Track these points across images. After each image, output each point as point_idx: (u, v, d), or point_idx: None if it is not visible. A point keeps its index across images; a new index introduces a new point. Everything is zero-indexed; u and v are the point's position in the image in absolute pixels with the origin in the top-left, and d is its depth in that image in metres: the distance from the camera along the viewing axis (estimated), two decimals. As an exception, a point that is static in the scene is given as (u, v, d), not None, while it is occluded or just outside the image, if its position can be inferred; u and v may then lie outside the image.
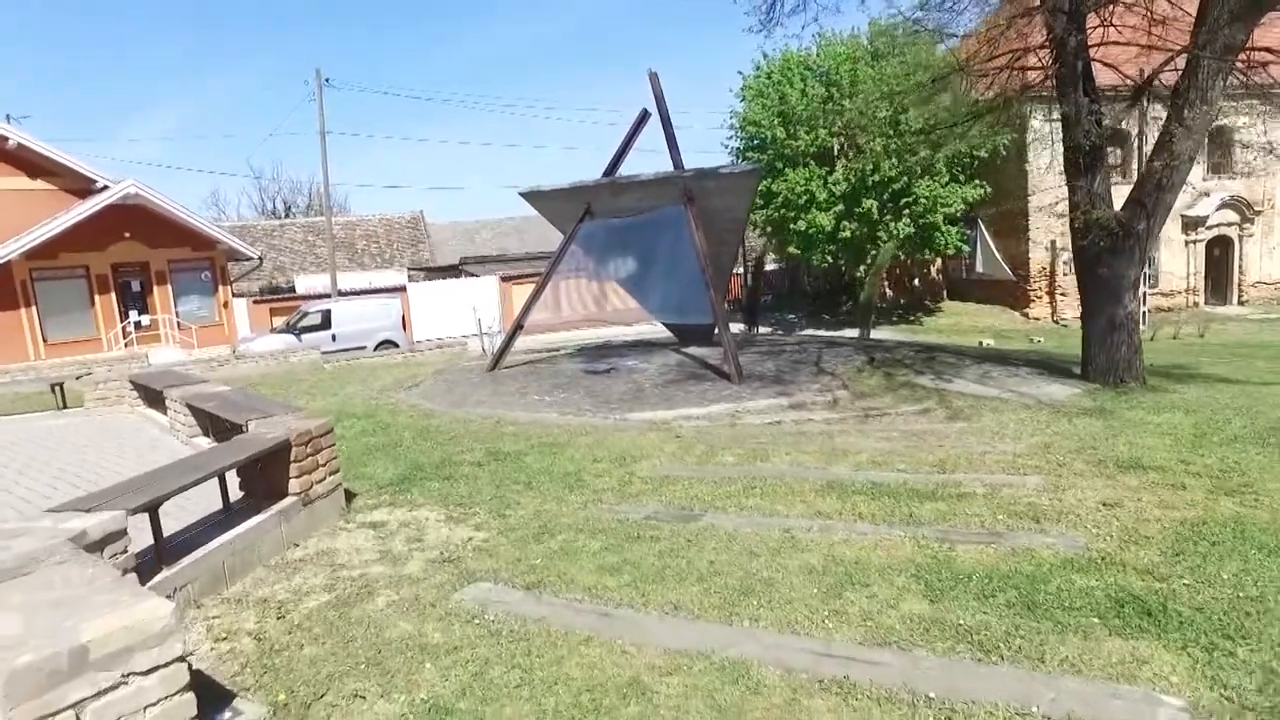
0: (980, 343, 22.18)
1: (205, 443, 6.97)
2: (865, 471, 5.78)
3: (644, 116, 12.26)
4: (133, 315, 22.59)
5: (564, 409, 8.97)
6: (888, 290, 30.34)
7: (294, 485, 4.77)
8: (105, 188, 21.30)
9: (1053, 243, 27.66)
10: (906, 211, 24.41)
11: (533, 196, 12.42)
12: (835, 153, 25.89)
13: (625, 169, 12.45)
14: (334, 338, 20.61)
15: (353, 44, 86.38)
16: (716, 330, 13.14)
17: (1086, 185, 9.32)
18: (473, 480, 6.01)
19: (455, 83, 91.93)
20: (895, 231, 24.21)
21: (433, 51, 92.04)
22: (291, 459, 4.74)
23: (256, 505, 4.67)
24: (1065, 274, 27.87)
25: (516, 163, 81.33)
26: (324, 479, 5.03)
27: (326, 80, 24.50)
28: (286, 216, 48.29)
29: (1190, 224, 28.35)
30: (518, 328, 12.33)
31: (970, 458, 6.11)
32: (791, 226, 24.62)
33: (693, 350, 12.50)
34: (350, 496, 5.67)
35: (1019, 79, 10.34)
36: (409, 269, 34.26)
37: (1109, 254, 9.17)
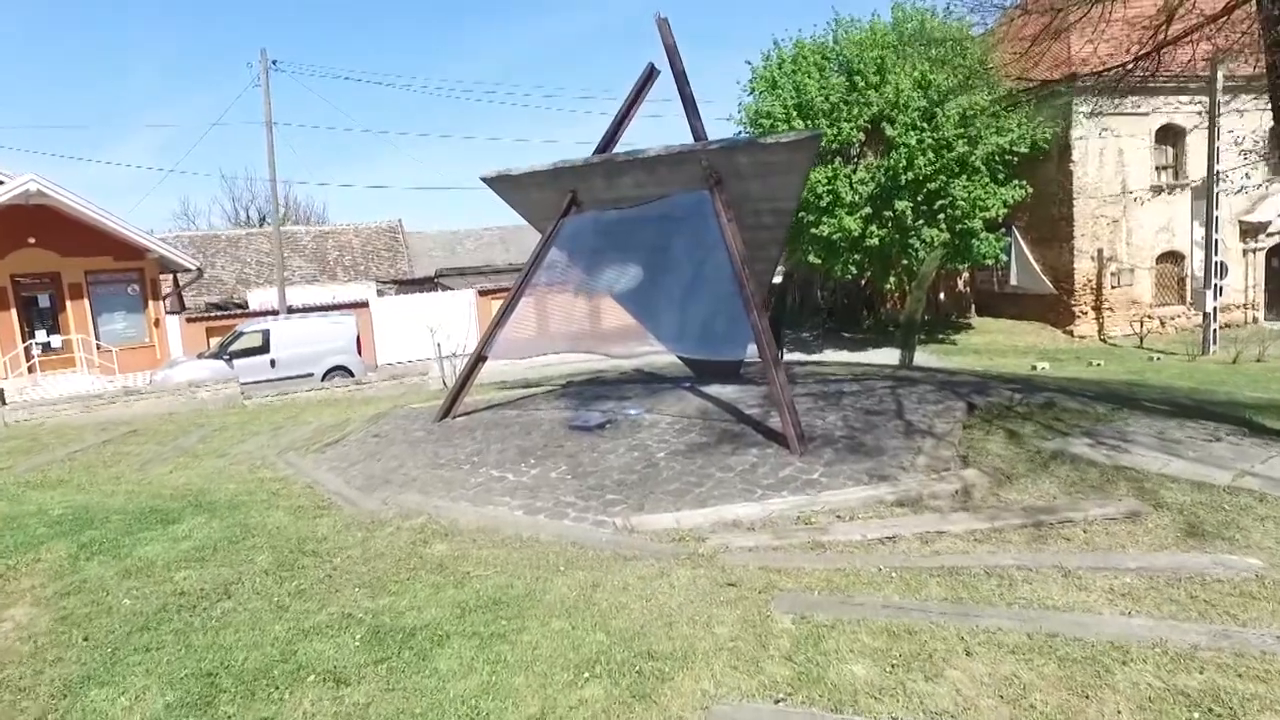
0: (1033, 366, 19.10)
1: None
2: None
3: (651, 73, 8.98)
4: (39, 335, 19.13)
5: (533, 500, 5.66)
6: (913, 305, 27.14)
7: None
8: (0, 183, 17.91)
9: (1099, 251, 24.53)
10: (942, 216, 21.25)
11: (500, 182, 9.13)
12: (854, 152, 22.78)
13: (624, 144, 9.15)
14: (273, 363, 17.20)
15: (353, 45, 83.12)
16: (746, 361, 9.92)
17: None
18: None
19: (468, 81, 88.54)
20: (929, 238, 21.05)
21: (442, 53, 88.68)
22: None
23: None
24: (1113, 287, 24.81)
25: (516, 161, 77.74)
26: None
27: (274, 63, 21.22)
28: (262, 226, 44.92)
29: (1249, 230, 25.34)
30: (478, 360, 9.01)
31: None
32: (812, 231, 21.38)
33: (716, 391, 9.19)
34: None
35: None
36: (382, 282, 30.89)
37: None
